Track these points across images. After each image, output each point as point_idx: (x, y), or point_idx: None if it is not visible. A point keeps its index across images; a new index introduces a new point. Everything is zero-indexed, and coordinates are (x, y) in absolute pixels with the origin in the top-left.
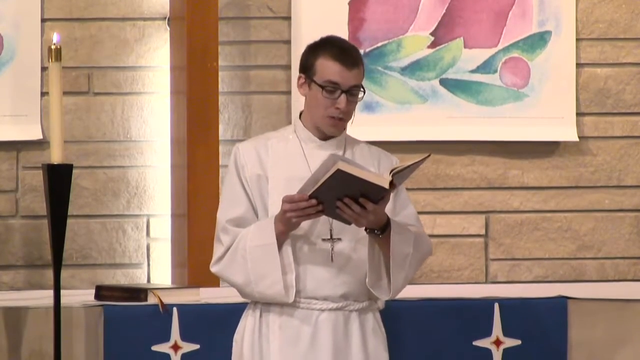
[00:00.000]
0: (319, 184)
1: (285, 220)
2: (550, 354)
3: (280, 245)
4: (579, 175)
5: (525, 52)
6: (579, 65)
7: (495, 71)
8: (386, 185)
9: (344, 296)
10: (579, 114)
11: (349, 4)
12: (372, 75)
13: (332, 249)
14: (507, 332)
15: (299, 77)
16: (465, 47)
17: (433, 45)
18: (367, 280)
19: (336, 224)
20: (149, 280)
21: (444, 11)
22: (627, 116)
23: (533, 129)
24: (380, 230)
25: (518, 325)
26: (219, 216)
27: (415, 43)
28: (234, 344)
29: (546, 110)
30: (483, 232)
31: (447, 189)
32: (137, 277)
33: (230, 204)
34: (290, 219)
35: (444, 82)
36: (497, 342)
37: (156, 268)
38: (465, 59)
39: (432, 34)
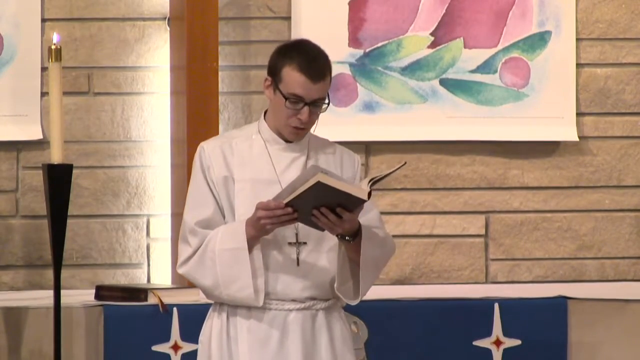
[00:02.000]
0: (297, 193)
1: (259, 226)
2: (550, 354)
3: (250, 249)
4: (579, 175)
5: (525, 52)
6: (579, 65)
7: (495, 71)
8: (365, 197)
9: (310, 297)
10: (579, 114)
11: (349, 4)
12: (372, 75)
13: (298, 252)
14: (507, 332)
15: (266, 79)
16: (465, 47)
17: (433, 45)
18: (335, 284)
19: (301, 227)
20: (149, 280)
21: (444, 11)
22: (627, 116)
23: (533, 128)
24: (352, 236)
25: (518, 325)
26: (185, 217)
27: (415, 43)
28: (199, 345)
29: (546, 110)
30: (483, 232)
31: (447, 189)
32: (137, 277)
33: (197, 205)
34: (264, 225)
35: (444, 82)
36: (497, 342)
37: (156, 268)
38: (465, 59)
39: (432, 34)
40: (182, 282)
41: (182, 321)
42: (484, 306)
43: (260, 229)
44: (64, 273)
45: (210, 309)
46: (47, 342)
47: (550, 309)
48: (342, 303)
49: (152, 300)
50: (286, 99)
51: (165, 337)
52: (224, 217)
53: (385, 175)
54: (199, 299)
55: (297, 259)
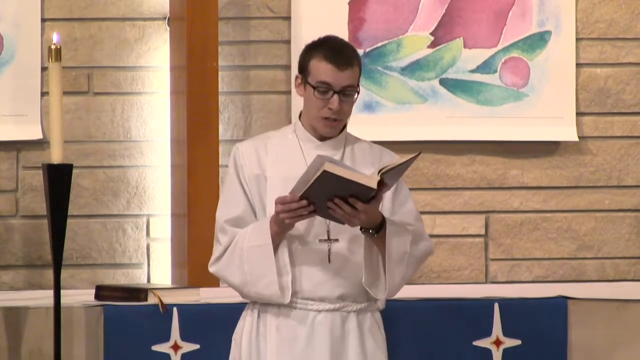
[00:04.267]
0: (308, 185)
1: (279, 221)
2: (550, 354)
3: (276, 246)
4: (579, 175)
5: (525, 52)
6: (578, 65)
7: (495, 71)
8: (374, 186)
9: (341, 297)
10: (578, 114)
11: (349, 4)
12: (372, 75)
13: (330, 249)
14: (507, 332)
15: (296, 77)
16: (465, 47)
17: (433, 45)
18: (363, 279)
19: (333, 224)
20: (149, 280)
21: (444, 11)
22: (627, 116)
23: (533, 128)
24: (375, 229)
25: (518, 325)
26: (217, 216)
27: (415, 43)
28: (232, 343)
29: (546, 110)
30: (483, 232)
31: (447, 189)
32: (137, 277)
33: (228, 204)
34: (284, 220)
35: (444, 82)
36: (497, 342)
37: (156, 268)
38: (465, 59)
39: (432, 34)
40: (182, 282)
41: (182, 321)
42: (484, 306)
43: (281, 224)
44: (64, 273)
45: (245, 308)
46: (47, 342)
47: (550, 309)
48: (378, 306)
49: (152, 300)
50: (315, 88)
51: (165, 337)
52: (255, 216)
53: (397, 166)
54: (199, 299)
55: (329, 255)
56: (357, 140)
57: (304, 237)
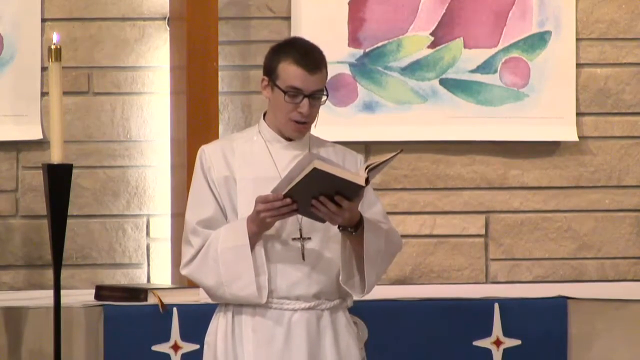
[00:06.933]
0: (294, 182)
1: (259, 220)
2: (550, 354)
3: (252, 246)
4: (579, 175)
5: (525, 52)
6: (578, 65)
7: (495, 71)
8: (362, 183)
9: (316, 295)
10: (578, 114)
11: (349, 4)
12: (372, 75)
13: (303, 248)
14: (507, 332)
15: (262, 80)
16: (465, 47)
17: (433, 45)
18: (340, 277)
19: (305, 222)
20: (149, 280)
21: (444, 11)
22: (627, 116)
23: (533, 129)
24: (354, 227)
25: (518, 325)
26: (187, 218)
27: (415, 43)
28: (205, 346)
29: (546, 110)
30: (483, 232)
31: (447, 189)
32: (137, 277)
33: (198, 206)
34: (265, 219)
35: (444, 82)
36: (497, 342)
37: (156, 268)
38: (465, 59)
39: (432, 34)
40: (182, 282)
41: (182, 321)
42: (484, 306)
43: (261, 223)
44: (64, 273)
45: (216, 309)
46: (47, 342)
47: (550, 309)
48: (348, 303)
49: (152, 300)
50: (285, 92)
51: (165, 337)
52: (225, 217)
53: (382, 163)
54: (199, 299)
55: (302, 253)
56: (320, 140)
57: (277, 236)
